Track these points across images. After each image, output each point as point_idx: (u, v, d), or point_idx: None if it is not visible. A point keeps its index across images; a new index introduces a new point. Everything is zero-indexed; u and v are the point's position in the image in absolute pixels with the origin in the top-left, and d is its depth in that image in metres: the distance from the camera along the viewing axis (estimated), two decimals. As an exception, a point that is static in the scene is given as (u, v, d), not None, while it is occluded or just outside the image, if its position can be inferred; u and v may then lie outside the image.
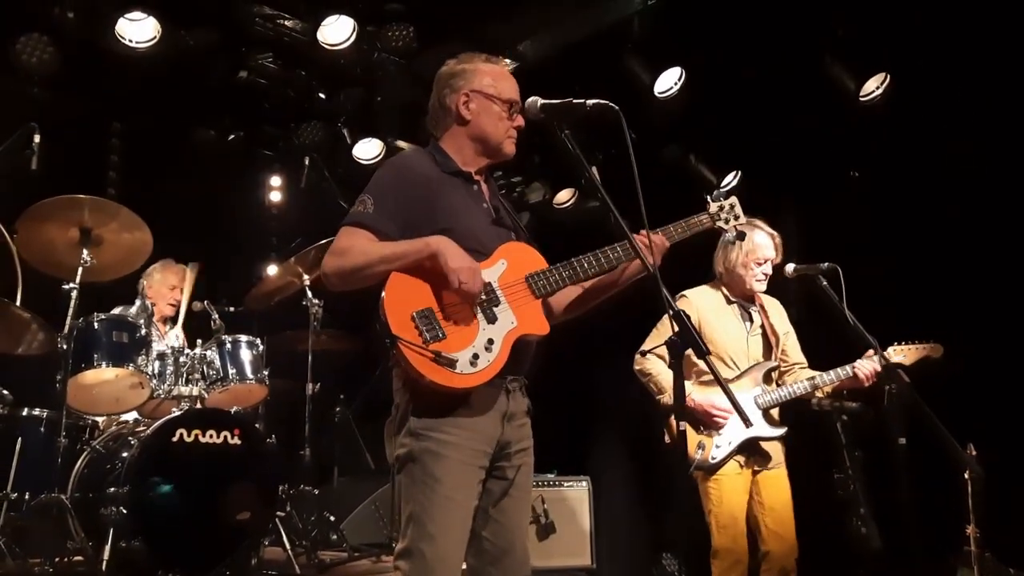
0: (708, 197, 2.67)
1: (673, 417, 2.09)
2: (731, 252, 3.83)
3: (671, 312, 2.10)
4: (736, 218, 2.67)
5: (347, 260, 2.27)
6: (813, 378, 3.71)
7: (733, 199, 2.67)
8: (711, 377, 3.54)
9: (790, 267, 3.73)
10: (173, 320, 4.79)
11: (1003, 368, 4.55)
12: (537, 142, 6.40)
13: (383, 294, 2.23)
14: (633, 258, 2.42)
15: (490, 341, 2.28)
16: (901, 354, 3.64)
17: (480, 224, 2.43)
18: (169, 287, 4.85)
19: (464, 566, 2.34)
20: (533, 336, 2.38)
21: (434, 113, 2.55)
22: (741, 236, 2.89)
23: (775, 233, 3.86)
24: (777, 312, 3.95)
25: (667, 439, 3.72)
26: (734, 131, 5.71)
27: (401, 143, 6.26)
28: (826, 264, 3.53)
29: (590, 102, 2.18)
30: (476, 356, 2.24)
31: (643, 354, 3.76)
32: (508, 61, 5.48)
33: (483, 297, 2.31)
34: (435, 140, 2.54)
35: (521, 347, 2.35)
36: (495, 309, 2.32)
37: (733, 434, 3.62)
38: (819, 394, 3.65)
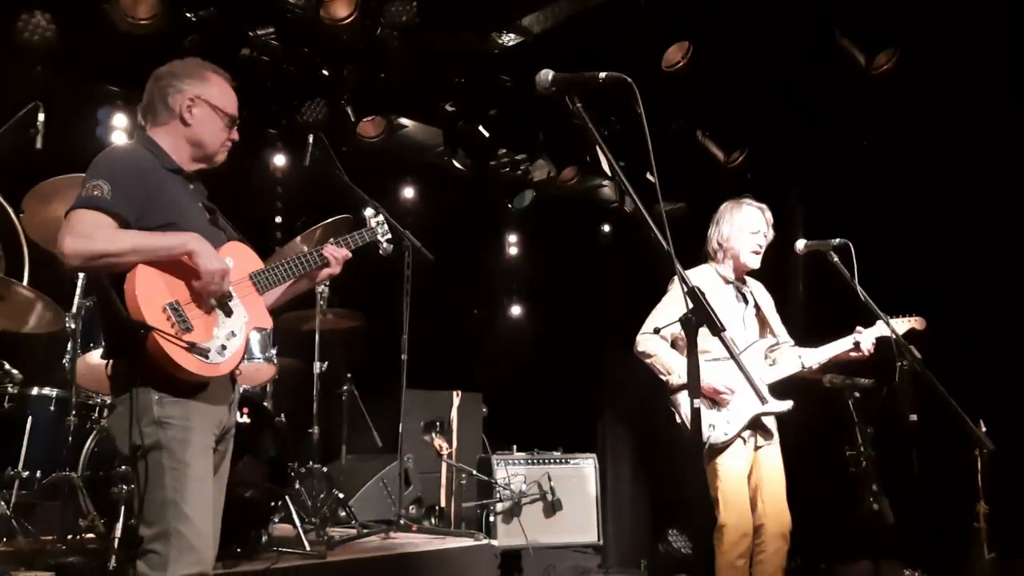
0: (365, 214, 2.99)
1: (688, 394, 2.06)
2: (723, 225, 3.80)
3: (685, 288, 2.08)
4: (386, 233, 2.97)
5: (93, 245, 2.28)
6: (815, 351, 3.68)
7: (380, 217, 2.98)
8: (713, 356, 3.55)
9: (800, 243, 3.70)
10: None
11: (1015, 344, 4.53)
12: (541, 120, 6.42)
13: (130, 285, 2.29)
14: (324, 264, 2.74)
15: (232, 332, 2.46)
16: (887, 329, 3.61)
17: (200, 222, 2.56)
18: None
19: None
20: (261, 329, 2.58)
21: (151, 105, 2.60)
22: (391, 244, 3.05)
23: (764, 206, 3.83)
24: (763, 292, 3.95)
25: (677, 419, 3.71)
26: (742, 106, 5.65)
27: (404, 120, 6.20)
28: (838, 240, 3.49)
29: (602, 74, 2.15)
30: (224, 347, 2.42)
31: (643, 334, 3.76)
32: (513, 36, 5.42)
33: None
34: (144, 131, 2.61)
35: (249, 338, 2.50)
36: (230, 304, 2.49)
37: (742, 410, 3.61)
38: (815, 366, 3.64)
